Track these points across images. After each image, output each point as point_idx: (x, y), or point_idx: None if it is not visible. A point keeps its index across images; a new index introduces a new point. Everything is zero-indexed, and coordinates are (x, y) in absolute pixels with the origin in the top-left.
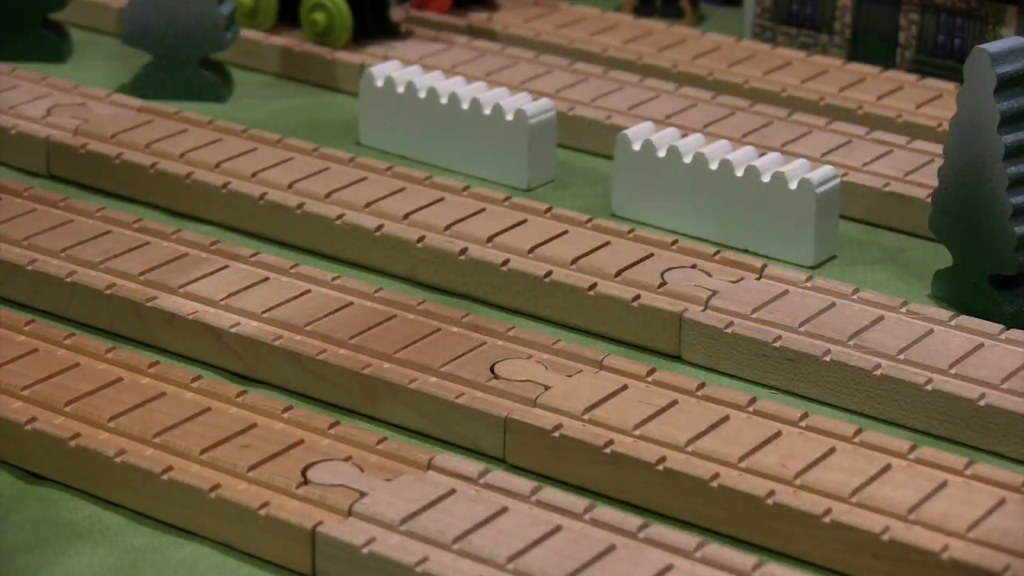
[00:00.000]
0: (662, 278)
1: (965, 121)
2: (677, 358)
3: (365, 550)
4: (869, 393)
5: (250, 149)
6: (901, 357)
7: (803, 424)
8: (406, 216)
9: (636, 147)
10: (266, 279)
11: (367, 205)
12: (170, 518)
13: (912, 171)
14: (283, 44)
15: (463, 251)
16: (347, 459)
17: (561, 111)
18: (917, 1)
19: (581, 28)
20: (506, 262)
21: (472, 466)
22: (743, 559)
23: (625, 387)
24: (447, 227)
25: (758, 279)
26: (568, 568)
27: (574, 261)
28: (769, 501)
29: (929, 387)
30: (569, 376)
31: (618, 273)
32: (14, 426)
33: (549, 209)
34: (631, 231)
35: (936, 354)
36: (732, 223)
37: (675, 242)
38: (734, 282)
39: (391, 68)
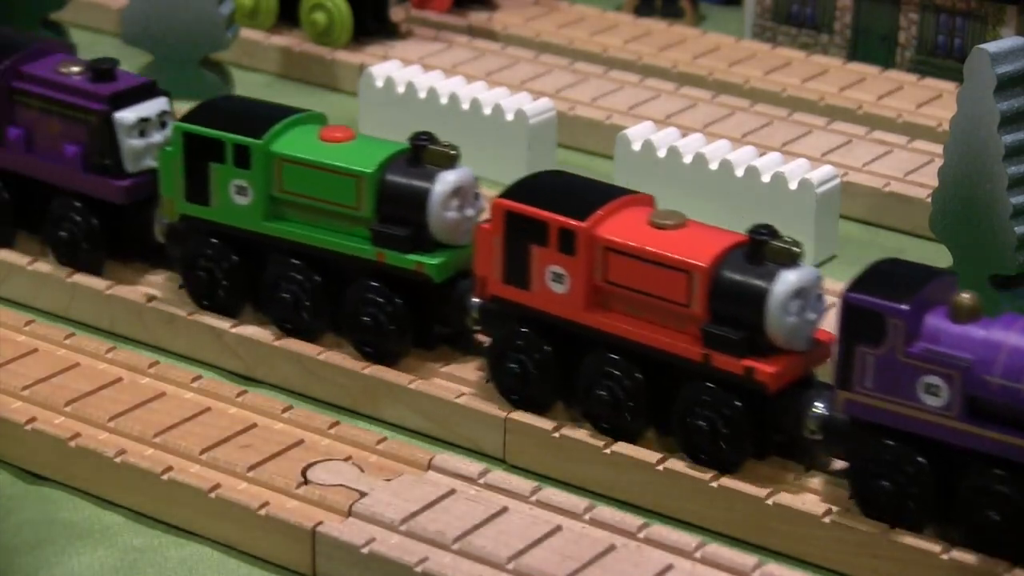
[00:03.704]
0: None
1: (965, 121)
2: None
3: (365, 550)
4: None
5: None
6: None
7: None
8: None
9: (636, 147)
10: None
11: None
12: (170, 518)
13: (912, 171)
14: (283, 44)
15: None
16: (347, 459)
17: (561, 111)
18: (917, 1)
19: (581, 28)
20: None
21: (472, 466)
22: (743, 559)
23: None
24: None
25: None
26: (568, 568)
27: None
28: (769, 501)
29: None
30: None
31: None
32: (14, 426)
33: None
34: None
35: None
36: (732, 223)
37: None
38: None
39: (391, 68)
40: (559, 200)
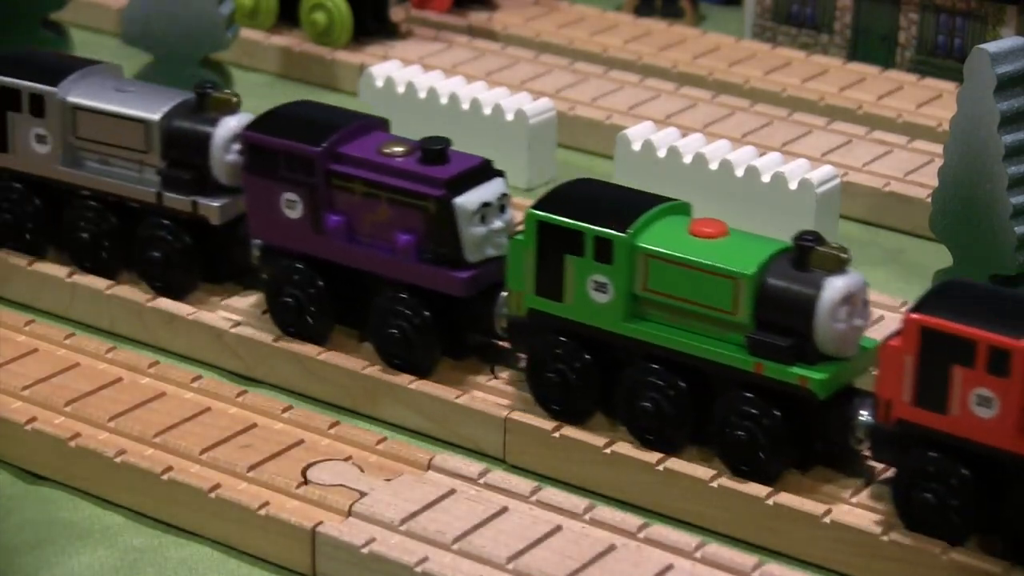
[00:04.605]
0: None
1: (965, 121)
2: None
3: (365, 550)
4: None
5: None
6: None
7: None
8: None
9: (636, 147)
10: None
11: None
12: (170, 518)
13: (912, 171)
14: (283, 44)
15: None
16: (347, 459)
17: (561, 111)
18: (917, 1)
19: (581, 28)
20: None
21: (472, 466)
22: (743, 559)
23: None
24: None
25: None
26: (568, 568)
27: None
28: (769, 501)
29: None
30: None
31: None
32: (14, 426)
33: None
34: None
35: None
36: (732, 223)
37: None
38: None
39: (391, 68)
40: (982, 315)
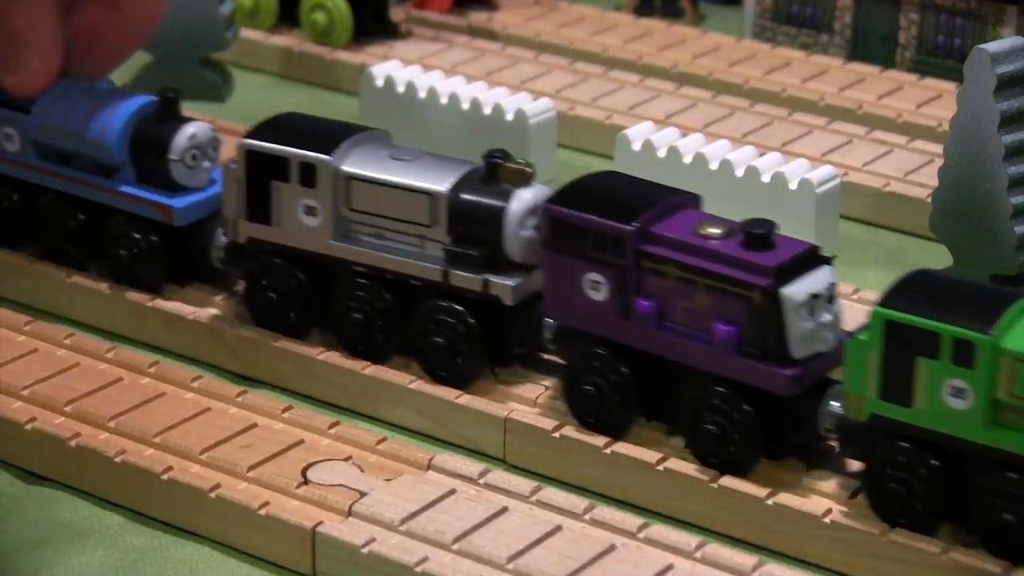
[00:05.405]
0: None
1: (965, 121)
2: None
3: (365, 550)
4: None
5: None
6: None
7: None
8: None
9: (636, 147)
10: None
11: None
12: (170, 518)
13: (912, 171)
14: (283, 44)
15: None
16: (347, 459)
17: (561, 111)
18: (917, 1)
19: (581, 28)
20: None
21: (472, 466)
22: (743, 559)
23: None
24: None
25: None
26: (568, 568)
27: None
28: (769, 501)
29: None
30: None
31: None
32: (14, 426)
33: None
34: None
35: None
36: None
37: None
38: None
39: (391, 68)
40: None
